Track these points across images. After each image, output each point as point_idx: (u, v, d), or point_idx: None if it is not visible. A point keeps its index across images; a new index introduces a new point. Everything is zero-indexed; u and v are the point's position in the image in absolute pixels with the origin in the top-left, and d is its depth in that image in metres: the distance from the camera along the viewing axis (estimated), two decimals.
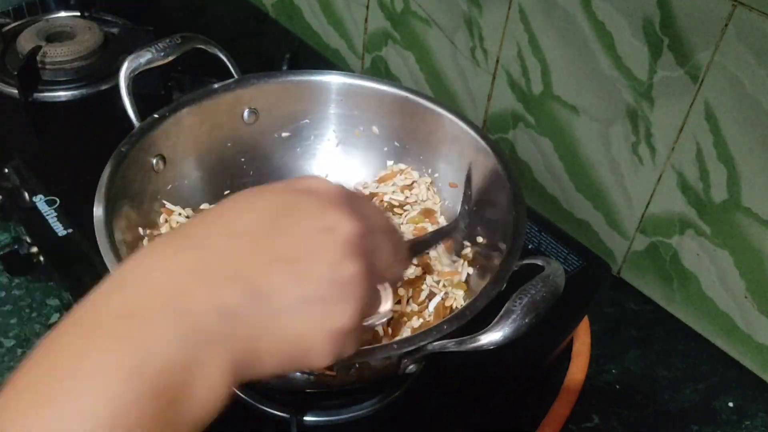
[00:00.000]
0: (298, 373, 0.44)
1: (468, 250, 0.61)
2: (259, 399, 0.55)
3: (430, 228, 0.62)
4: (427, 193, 0.64)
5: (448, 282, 0.59)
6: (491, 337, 0.43)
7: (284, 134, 0.66)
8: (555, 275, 0.46)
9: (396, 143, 0.65)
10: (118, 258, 0.46)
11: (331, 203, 0.33)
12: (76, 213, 0.67)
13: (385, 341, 0.54)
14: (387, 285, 0.36)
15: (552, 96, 0.72)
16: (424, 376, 0.57)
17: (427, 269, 0.59)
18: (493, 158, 0.57)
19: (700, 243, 0.66)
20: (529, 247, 0.69)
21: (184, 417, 0.28)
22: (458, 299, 0.58)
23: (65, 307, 0.68)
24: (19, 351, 0.64)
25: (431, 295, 0.57)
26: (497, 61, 0.77)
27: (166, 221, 0.58)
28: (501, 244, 0.52)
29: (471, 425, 0.55)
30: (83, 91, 0.84)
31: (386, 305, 0.36)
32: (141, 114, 0.58)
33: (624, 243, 0.73)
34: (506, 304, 0.44)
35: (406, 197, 0.64)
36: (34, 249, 0.67)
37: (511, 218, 0.52)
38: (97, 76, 0.85)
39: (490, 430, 0.58)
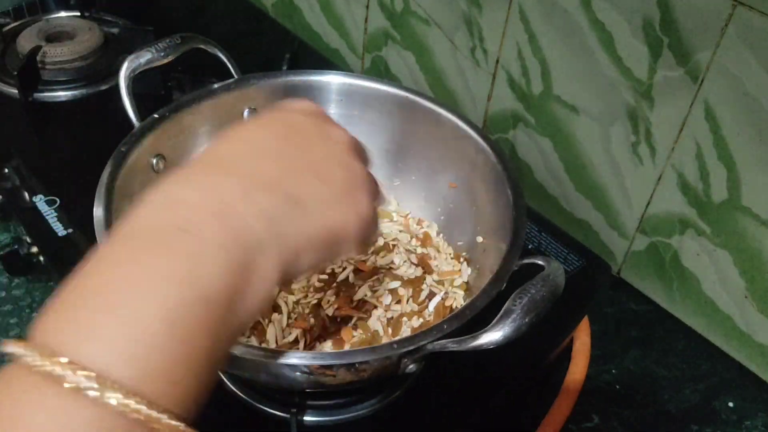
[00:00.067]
0: (297, 373, 0.44)
1: (468, 251, 0.61)
2: (259, 399, 0.55)
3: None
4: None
5: (448, 282, 0.59)
6: (491, 336, 0.43)
7: None
8: (555, 275, 0.46)
9: (396, 144, 0.65)
10: None
11: (324, 120, 0.39)
12: (76, 213, 0.67)
13: (385, 341, 0.54)
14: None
15: (552, 96, 0.73)
16: (424, 376, 0.57)
17: (427, 269, 0.60)
18: (493, 158, 0.57)
19: (700, 243, 0.66)
20: (529, 247, 0.69)
21: (237, 317, 0.29)
22: (458, 299, 0.58)
23: None
24: None
25: (431, 295, 0.57)
26: (497, 61, 0.77)
27: None
28: (501, 244, 0.52)
29: (471, 425, 0.55)
30: (83, 91, 0.84)
31: (382, 191, 0.41)
32: (141, 114, 0.58)
33: (624, 243, 0.73)
34: (506, 304, 0.44)
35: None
36: (34, 249, 0.67)
37: (511, 218, 0.52)
38: (97, 76, 0.85)
39: (490, 430, 0.58)
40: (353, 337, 0.54)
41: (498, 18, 0.74)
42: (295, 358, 0.43)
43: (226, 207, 0.30)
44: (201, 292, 0.27)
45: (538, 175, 0.78)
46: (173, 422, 0.26)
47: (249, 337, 0.54)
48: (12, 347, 0.25)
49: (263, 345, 0.53)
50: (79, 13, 0.94)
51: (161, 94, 0.83)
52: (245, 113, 0.63)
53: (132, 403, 0.24)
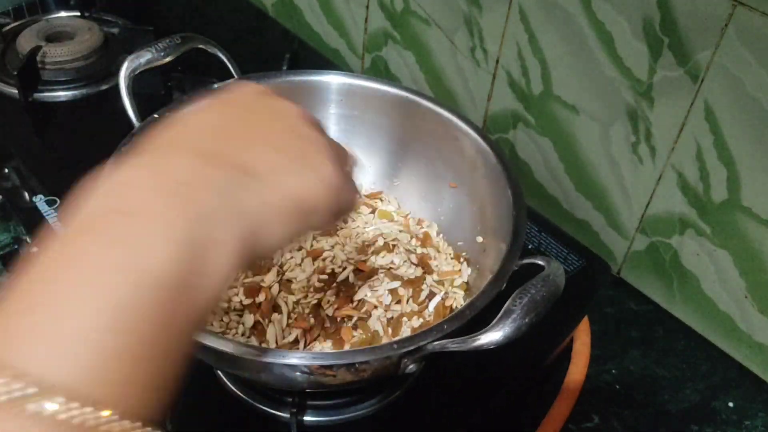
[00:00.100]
0: (297, 373, 0.44)
1: (468, 251, 0.61)
2: (259, 399, 0.55)
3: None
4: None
5: (448, 282, 0.59)
6: (491, 336, 0.43)
7: None
8: (555, 275, 0.46)
9: (396, 144, 0.65)
10: None
11: (270, 96, 0.38)
12: None
13: (385, 341, 0.54)
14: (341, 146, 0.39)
15: (552, 96, 0.72)
16: (424, 376, 0.57)
17: (427, 269, 0.60)
18: (493, 158, 0.57)
19: (700, 243, 0.66)
20: (529, 247, 0.69)
21: (194, 298, 0.27)
22: (458, 299, 0.58)
23: None
24: None
25: (431, 295, 0.57)
26: (497, 61, 0.77)
27: None
28: (501, 244, 0.52)
29: (471, 425, 0.55)
30: (83, 91, 0.84)
31: (351, 152, 0.40)
32: (141, 114, 0.58)
33: (624, 243, 0.73)
34: (506, 304, 0.44)
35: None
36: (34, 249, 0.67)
37: (511, 218, 0.52)
38: (97, 76, 0.85)
39: (490, 430, 0.58)
40: (353, 337, 0.54)
41: (498, 18, 0.74)
42: (295, 358, 0.43)
43: (173, 184, 0.28)
44: (147, 276, 0.25)
45: (538, 175, 0.78)
46: (127, 422, 0.23)
47: (249, 337, 0.54)
48: None
49: (263, 345, 0.53)
50: (79, 13, 0.95)
51: (161, 94, 0.83)
52: None
53: (75, 407, 0.22)
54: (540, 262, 0.48)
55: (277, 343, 0.54)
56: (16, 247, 0.67)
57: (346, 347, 0.53)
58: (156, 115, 0.57)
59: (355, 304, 0.56)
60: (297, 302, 0.56)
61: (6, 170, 0.72)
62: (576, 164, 0.74)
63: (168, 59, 0.61)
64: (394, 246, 0.61)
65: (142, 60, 0.60)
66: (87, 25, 0.90)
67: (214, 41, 0.65)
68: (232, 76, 0.64)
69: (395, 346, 0.43)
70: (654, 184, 0.67)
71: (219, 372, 0.57)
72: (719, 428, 0.62)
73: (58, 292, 0.24)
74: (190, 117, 0.34)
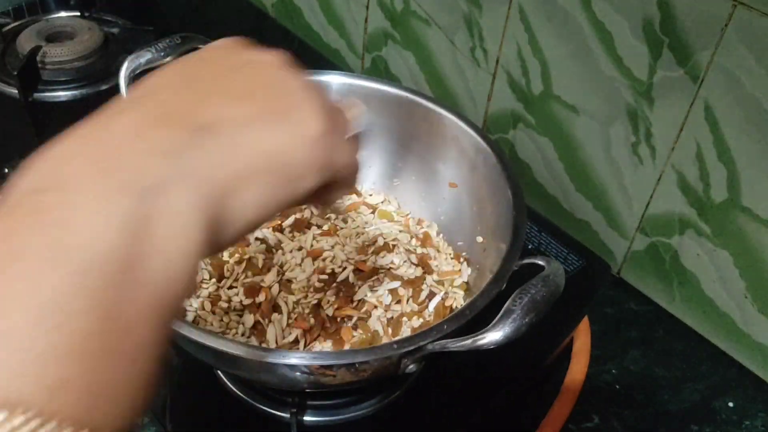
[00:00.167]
0: (297, 373, 0.44)
1: (468, 251, 0.61)
2: (259, 399, 0.55)
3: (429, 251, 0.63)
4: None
5: (448, 282, 0.59)
6: (491, 336, 0.43)
7: None
8: (555, 275, 0.46)
9: (396, 144, 0.65)
10: None
11: (245, 46, 0.31)
12: None
13: (385, 341, 0.54)
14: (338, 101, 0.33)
15: (552, 96, 0.73)
16: (424, 376, 0.57)
17: (427, 269, 0.60)
18: (493, 158, 0.57)
19: (700, 243, 0.66)
20: (529, 247, 0.69)
21: (146, 280, 0.23)
22: (458, 299, 0.58)
23: None
24: None
25: (431, 295, 0.57)
26: (497, 61, 0.77)
27: None
28: (501, 244, 0.52)
29: (471, 425, 0.55)
30: (83, 91, 0.84)
31: (354, 110, 0.34)
32: None
33: (624, 243, 0.73)
34: (506, 304, 0.44)
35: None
36: None
37: (511, 218, 0.52)
38: (97, 76, 0.85)
39: (490, 430, 0.58)
40: (353, 337, 0.54)
41: (498, 18, 0.74)
42: (295, 358, 0.43)
43: (110, 151, 0.24)
44: (80, 260, 0.21)
45: (538, 175, 0.78)
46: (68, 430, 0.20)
47: (249, 337, 0.54)
48: None
49: (263, 345, 0.53)
50: (79, 13, 0.95)
51: None
52: None
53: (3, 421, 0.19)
54: (540, 262, 0.48)
55: (277, 343, 0.54)
56: None
57: (346, 347, 0.53)
58: None
59: (355, 304, 0.56)
60: (297, 302, 0.56)
61: (6, 170, 0.72)
62: (576, 164, 0.74)
63: (168, 59, 0.61)
64: (394, 246, 0.61)
65: (142, 60, 0.60)
66: (87, 25, 0.90)
67: (214, 41, 0.65)
68: None
69: (395, 346, 0.43)
70: (654, 184, 0.68)
71: (219, 372, 0.57)
72: (719, 428, 0.62)
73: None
74: (150, 78, 0.29)
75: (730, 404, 0.64)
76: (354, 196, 0.66)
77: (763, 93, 0.56)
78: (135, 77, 0.59)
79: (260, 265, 0.58)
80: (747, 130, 0.58)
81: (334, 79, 0.64)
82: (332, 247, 0.61)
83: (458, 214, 0.63)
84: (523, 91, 0.75)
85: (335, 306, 0.56)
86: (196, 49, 0.63)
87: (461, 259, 0.61)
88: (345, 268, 0.59)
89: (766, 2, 0.54)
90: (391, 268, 0.59)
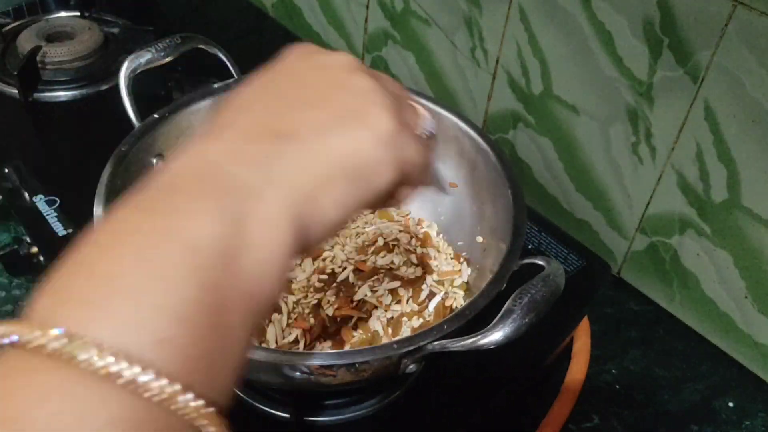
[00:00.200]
0: (297, 373, 0.44)
1: (468, 251, 0.61)
2: (259, 399, 0.55)
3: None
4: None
5: (448, 282, 0.59)
6: (491, 337, 0.43)
7: None
8: (555, 275, 0.46)
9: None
10: None
11: (315, 52, 0.33)
12: (76, 213, 0.67)
13: (385, 341, 0.54)
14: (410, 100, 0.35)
15: (552, 96, 0.72)
16: (424, 376, 0.57)
17: (427, 269, 0.60)
18: (493, 158, 0.57)
19: (700, 243, 0.66)
20: (529, 247, 0.69)
21: (242, 271, 0.25)
22: (458, 299, 0.58)
23: None
24: None
25: (431, 295, 0.57)
26: (497, 61, 0.77)
27: None
28: (501, 244, 0.52)
29: (471, 425, 0.55)
30: (83, 91, 0.84)
31: (424, 113, 0.35)
32: (141, 114, 0.58)
33: (624, 243, 0.73)
34: (506, 304, 0.44)
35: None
36: (34, 249, 0.67)
37: (511, 218, 0.52)
38: (97, 76, 0.85)
39: (490, 430, 0.58)
40: (353, 337, 0.54)
41: (498, 18, 0.74)
42: (295, 358, 0.43)
43: (209, 165, 0.27)
44: (188, 241, 0.24)
45: (538, 175, 0.78)
46: (201, 402, 0.22)
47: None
48: (7, 327, 0.22)
49: (263, 345, 0.53)
50: (79, 13, 0.94)
51: (161, 94, 0.83)
52: None
53: (177, 390, 0.21)
54: (540, 262, 0.48)
55: (277, 343, 0.54)
56: (16, 247, 0.67)
57: (346, 347, 0.53)
58: (156, 115, 0.57)
59: (355, 304, 0.56)
60: (297, 302, 0.56)
61: (6, 170, 0.72)
62: (576, 164, 0.74)
63: (168, 59, 0.61)
64: (394, 246, 0.61)
65: (142, 60, 0.60)
66: (87, 25, 0.90)
67: (214, 41, 0.65)
68: (232, 76, 0.64)
69: (395, 346, 0.43)
70: (654, 184, 0.68)
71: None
72: (719, 428, 0.62)
73: (119, 263, 0.23)
74: (233, 97, 0.32)
75: (730, 404, 0.64)
76: None
77: (763, 93, 0.56)
78: (135, 77, 0.59)
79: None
80: (747, 130, 0.58)
81: None
82: (332, 247, 0.61)
83: (458, 214, 0.63)
84: (523, 91, 0.75)
85: (335, 306, 0.56)
86: (196, 49, 0.64)
87: (461, 259, 0.61)
88: (345, 268, 0.59)
89: (766, 2, 0.54)
90: (391, 268, 0.59)
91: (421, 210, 0.66)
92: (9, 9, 0.96)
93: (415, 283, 0.58)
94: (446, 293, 0.58)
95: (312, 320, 0.55)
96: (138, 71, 0.59)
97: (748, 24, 0.55)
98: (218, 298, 0.24)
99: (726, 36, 0.57)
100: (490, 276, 0.48)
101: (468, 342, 0.43)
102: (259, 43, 1.00)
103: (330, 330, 0.55)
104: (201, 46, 0.64)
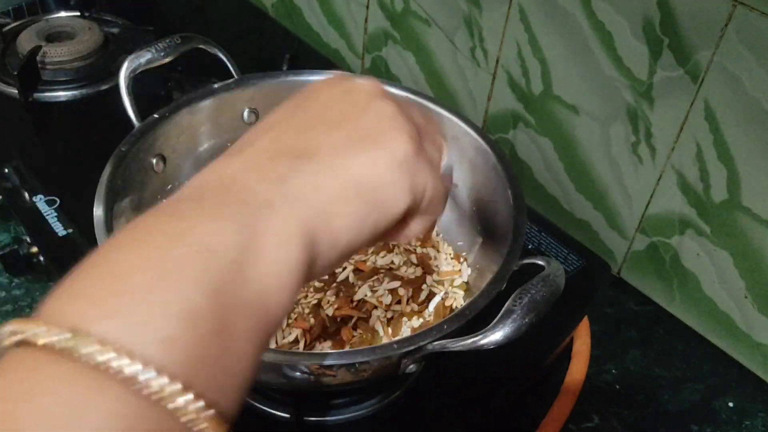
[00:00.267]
0: (297, 373, 0.44)
1: (468, 251, 0.61)
2: (259, 399, 0.55)
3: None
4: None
5: (448, 282, 0.59)
6: (491, 337, 0.43)
7: None
8: (555, 275, 0.46)
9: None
10: None
11: (341, 78, 0.34)
12: (76, 213, 0.67)
13: (385, 341, 0.54)
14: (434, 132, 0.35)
15: (552, 96, 0.73)
16: (424, 376, 0.57)
17: (427, 269, 0.60)
18: (493, 158, 0.57)
19: (700, 243, 0.66)
20: (529, 247, 0.69)
21: (252, 280, 0.25)
22: (458, 299, 0.58)
23: None
24: None
25: (431, 295, 0.57)
26: (497, 61, 0.77)
27: None
28: (501, 244, 0.52)
29: (471, 425, 0.55)
30: (83, 91, 0.84)
31: (445, 147, 0.36)
32: (141, 114, 0.58)
33: (624, 243, 0.73)
34: (506, 304, 0.44)
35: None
36: (34, 249, 0.67)
37: (511, 218, 0.52)
38: (97, 76, 0.85)
39: (490, 430, 0.58)
40: (353, 337, 0.54)
41: (498, 18, 0.74)
42: (295, 358, 0.43)
43: (228, 179, 0.28)
44: (200, 245, 0.24)
45: (538, 175, 0.78)
46: (212, 412, 0.22)
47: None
48: (14, 325, 0.22)
49: None
50: (79, 13, 0.94)
51: (161, 94, 0.83)
52: (245, 113, 0.63)
53: (178, 389, 0.21)
54: (540, 262, 0.48)
55: (277, 343, 0.54)
56: (16, 247, 0.67)
57: (346, 347, 0.53)
58: (156, 115, 0.57)
59: (355, 304, 0.56)
60: (297, 302, 0.56)
61: (6, 170, 0.72)
62: (576, 164, 0.74)
63: (168, 59, 0.61)
64: (394, 246, 0.61)
65: (142, 60, 0.60)
66: (87, 25, 0.90)
67: (214, 41, 0.65)
68: (232, 76, 0.64)
69: (395, 346, 0.43)
70: (654, 184, 0.68)
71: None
72: (719, 428, 0.62)
73: (131, 262, 0.24)
74: (267, 117, 0.33)
75: (730, 404, 0.64)
76: None
77: (763, 93, 0.56)
78: (135, 77, 0.59)
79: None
80: (747, 130, 0.58)
81: None
82: None
83: (458, 214, 0.63)
84: (523, 91, 0.75)
85: (335, 306, 0.56)
86: (196, 49, 0.64)
87: (461, 259, 0.61)
88: (345, 268, 0.59)
89: (766, 2, 0.54)
90: (391, 268, 0.59)
91: None
92: (9, 9, 0.96)
93: (414, 283, 0.58)
94: (446, 293, 0.58)
95: (312, 320, 0.55)
96: (138, 71, 0.59)
97: (748, 24, 0.55)
98: (225, 304, 0.24)
99: (726, 36, 0.57)
100: (490, 276, 0.48)
101: (468, 342, 0.43)
102: (259, 43, 1.00)
103: (330, 330, 0.55)
104: (201, 46, 0.64)
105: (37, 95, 0.82)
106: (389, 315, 0.56)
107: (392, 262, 0.59)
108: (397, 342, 0.43)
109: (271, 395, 0.55)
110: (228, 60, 0.65)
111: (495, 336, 0.42)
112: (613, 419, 0.62)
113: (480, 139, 0.59)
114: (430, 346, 0.44)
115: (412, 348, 0.43)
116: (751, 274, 0.64)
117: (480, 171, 0.59)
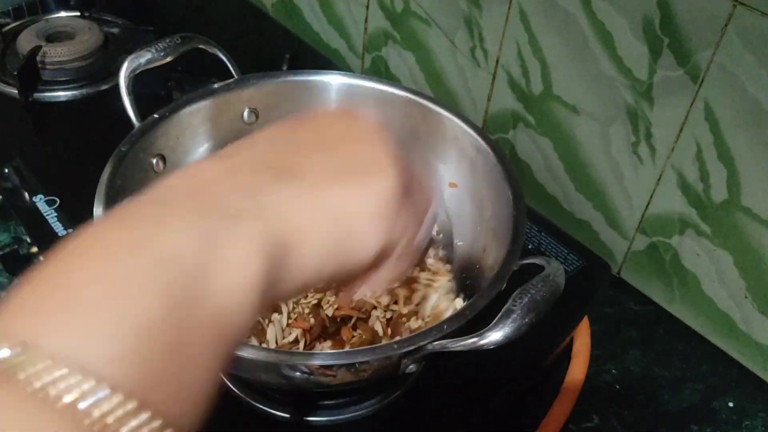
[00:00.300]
0: (297, 373, 0.44)
1: (468, 251, 0.61)
2: (259, 399, 0.55)
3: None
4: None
5: (442, 286, 0.59)
6: (491, 337, 0.43)
7: None
8: (555, 275, 0.46)
9: (396, 143, 0.65)
10: None
11: (346, 113, 0.34)
12: (76, 213, 0.67)
13: (384, 341, 0.54)
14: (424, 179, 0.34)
15: (552, 96, 0.72)
16: (424, 376, 0.57)
17: (421, 266, 0.59)
18: (493, 158, 0.57)
19: (700, 243, 0.66)
20: (529, 247, 0.69)
21: (211, 291, 0.24)
22: (452, 302, 0.57)
23: None
24: None
25: (426, 296, 0.57)
26: (497, 61, 0.77)
27: None
28: (501, 244, 0.52)
29: (471, 425, 0.55)
30: (83, 91, 0.84)
31: (432, 198, 0.35)
32: (141, 114, 0.58)
33: (624, 243, 0.73)
34: (506, 304, 0.44)
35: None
36: (34, 249, 0.67)
37: (511, 218, 0.52)
38: (97, 76, 0.85)
39: (490, 430, 0.58)
40: (353, 337, 0.54)
41: (498, 18, 0.74)
42: (295, 358, 0.43)
43: (202, 184, 0.27)
44: (158, 254, 0.23)
45: (538, 175, 0.78)
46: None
47: (249, 337, 0.54)
48: None
49: (263, 345, 0.53)
50: (79, 13, 0.94)
51: (161, 94, 0.83)
52: (245, 113, 0.63)
53: (133, 408, 0.20)
54: (540, 262, 0.48)
55: (277, 343, 0.54)
56: (16, 247, 0.67)
57: (346, 347, 0.53)
58: (156, 115, 0.57)
59: (353, 303, 0.56)
60: (297, 302, 0.56)
61: (6, 170, 0.72)
62: (576, 164, 0.74)
63: (168, 59, 0.61)
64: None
65: (142, 60, 0.60)
66: (87, 25, 0.90)
67: (214, 41, 0.65)
68: (232, 76, 0.64)
69: (395, 346, 0.43)
70: (654, 184, 0.67)
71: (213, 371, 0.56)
72: (719, 428, 0.62)
73: (84, 274, 0.23)
74: (253, 134, 0.32)
75: (730, 404, 0.64)
76: None
77: (763, 93, 0.56)
78: (135, 77, 0.59)
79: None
80: (747, 130, 0.58)
81: (334, 79, 0.64)
82: None
83: (458, 214, 0.63)
84: (523, 91, 0.75)
85: (335, 306, 0.56)
86: (196, 49, 0.63)
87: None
88: None
89: (766, 2, 0.54)
90: None
91: None
92: (9, 9, 0.96)
93: (408, 283, 0.58)
94: (440, 297, 0.57)
95: (312, 320, 0.55)
96: (138, 71, 0.59)
97: (748, 24, 0.55)
98: (182, 318, 0.23)
99: (726, 36, 0.57)
100: (490, 276, 0.48)
101: (468, 342, 0.43)
102: (259, 43, 1.00)
103: (330, 330, 0.55)
104: (201, 46, 0.64)
105: (37, 95, 0.82)
106: (388, 315, 0.56)
107: None
108: (397, 342, 0.43)
109: (271, 395, 0.55)
110: (228, 60, 0.65)
111: (495, 336, 0.42)
112: (613, 419, 0.62)
113: (480, 139, 0.59)
114: (430, 346, 0.44)
115: (412, 348, 0.43)
116: (751, 274, 0.64)
117: (480, 171, 0.59)
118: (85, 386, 0.20)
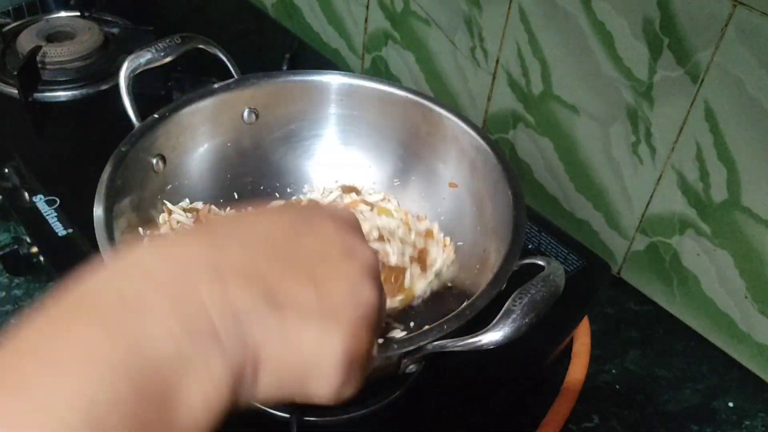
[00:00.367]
0: None
1: (468, 251, 0.61)
2: None
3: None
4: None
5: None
6: (491, 337, 0.43)
7: (284, 134, 0.66)
8: (555, 275, 0.46)
9: (396, 143, 0.65)
10: None
11: (348, 228, 0.33)
12: (76, 213, 0.67)
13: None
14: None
15: (552, 96, 0.72)
16: (424, 376, 0.57)
17: (422, 266, 0.59)
18: (493, 158, 0.57)
19: (700, 243, 0.66)
20: (529, 247, 0.69)
21: (172, 422, 0.25)
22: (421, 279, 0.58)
23: None
24: None
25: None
26: (497, 61, 0.77)
27: (166, 221, 0.58)
28: (501, 244, 0.52)
29: (471, 425, 0.55)
30: (83, 91, 0.84)
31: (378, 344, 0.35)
32: (141, 114, 0.58)
33: (624, 243, 0.73)
34: (506, 304, 0.44)
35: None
36: (34, 249, 0.67)
37: (511, 218, 0.52)
38: (97, 76, 0.85)
39: (490, 430, 0.58)
40: None
41: (498, 18, 0.74)
42: None
43: (186, 284, 0.26)
44: (131, 379, 0.23)
45: (538, 175, 0.78)
46: None
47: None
48: None
49: None
50: (79, 13, 0.94)
51: (161, 94, 0.83)
52: (245, 113, 0.63)
53: None
54: (540, 262, 0.48)
55: None
56: (16, 247, 0.67)
57: None
58: (156, 115, 0.57)
59: None
60: None
61: (6, 170, 0.72)
62: (576, 164, 0.74)
63: (168, 59, 0.61)
64: (389, 239, 0.61)
65: (142, 60, 0.59)
66: (87, 25, 0.90)
67: (214, 41, 0.65)
68: (232, 76, 0.64)
69: (395, 346, 0.43)
70: (654, 184, 0.68)
71: None
72: (719, 428, 0.62)
73: (35, 372, 0.22)
74: (254, 214, 0.31)
75: (730, 404, 0.64)
76: (353, 194, 0.66)
77: (763, 93, 0.56)
78: (135, 77, 0.59)
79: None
80: (747, 130, 0.58)
81: (334, 79, 0.64)
82: None
83: (458, 214, 0.63)
84: (523, 91, 0.75)
85: None
86: (196, 49, 0.63)
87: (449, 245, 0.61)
88: None
89: (766, 2, 0.54)
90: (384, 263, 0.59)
91: (421, 210, 0.66)
92: (9, 9, 0.96)
93: (395, 271, 0.57)
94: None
95: None
96: (138, 71, 0.59)
97: (748, 24, 0.55)
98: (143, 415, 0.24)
99: (726, 36, 0.57)
100: (490, 276, 0.48)
101: (468, 342, 0.43)
102: (259, 43, 1.00)
103: None
104: (201, 46, 0.64)
105: (37, 95, 0.82)
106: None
107: (385, 250, 0.59)
108: (397, 342, 0.43)
109: None
110: (228, 60, 0.65)
111: (495, 336, 0.42)
112: (613, 419, 0.62)
113: (480, 139, 0.59)
114: (430, 346, 0.44)
115: (412, 348, 0.43)
116: (751, 274, 0.64)
117: (480, 171, 0.59)
118: None
